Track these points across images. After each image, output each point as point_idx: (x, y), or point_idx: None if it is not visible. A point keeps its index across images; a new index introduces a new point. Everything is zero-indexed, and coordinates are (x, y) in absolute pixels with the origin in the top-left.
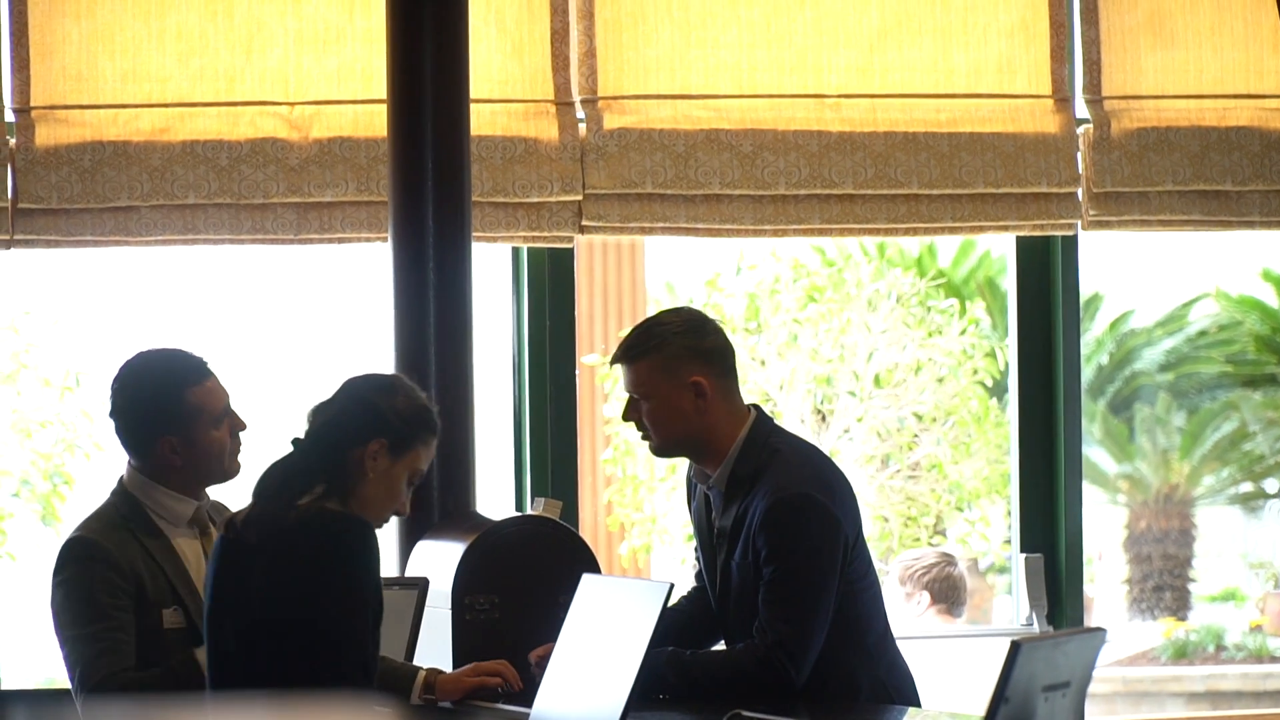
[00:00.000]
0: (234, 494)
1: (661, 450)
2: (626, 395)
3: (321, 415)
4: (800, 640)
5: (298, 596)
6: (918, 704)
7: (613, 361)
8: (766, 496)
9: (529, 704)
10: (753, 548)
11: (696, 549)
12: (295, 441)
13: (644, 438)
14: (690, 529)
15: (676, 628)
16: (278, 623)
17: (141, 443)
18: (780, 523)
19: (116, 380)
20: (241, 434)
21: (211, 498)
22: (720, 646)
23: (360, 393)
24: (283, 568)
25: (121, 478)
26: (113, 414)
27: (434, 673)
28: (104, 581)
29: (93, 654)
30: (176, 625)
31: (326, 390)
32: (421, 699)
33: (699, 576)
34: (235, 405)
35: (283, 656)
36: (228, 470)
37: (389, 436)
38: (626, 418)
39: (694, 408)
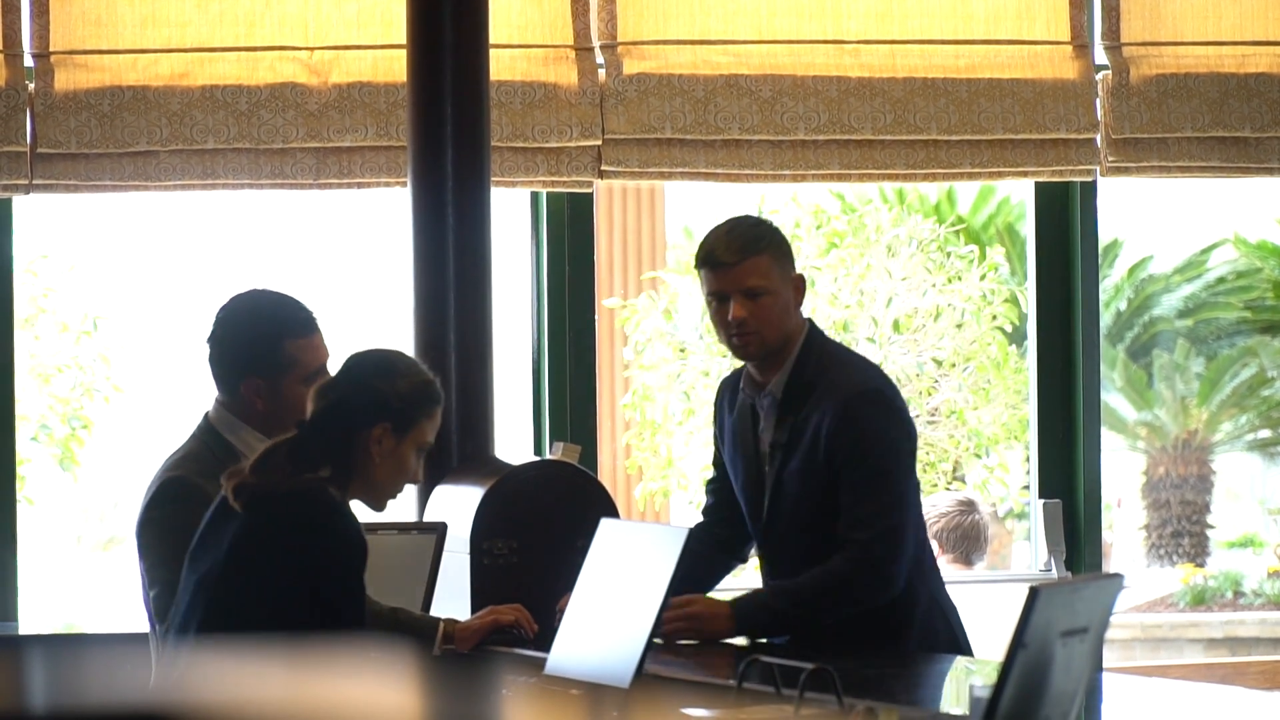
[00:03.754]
0: None
1: (761, 351)
2: (723, 293)
3: (325, 399)
4: (898, 534)
5: (264, 560)
6: (963, 631)
7: (730, 259)
8: (837, 395)
9: (546, 649)
10: (824, 449)
11: (713, 481)
12: (300, 424)
13: (740, 341)
14: (709, 463)
15: (686, 567)
16: (236, 580)
17: (229, 378)
18: (861, 419)
19: (222, 310)
20: None
21: None
22: (742, 569)
23: (360, 377)
24: (258, 530)
25: (207, 415)
26: (209, 341)
27: (452, 623)
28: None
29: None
30: None
31: (339, 350)
32: (442, 650)
33: (710, 510)
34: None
35: (232, 615)
36: None
37: (391, 419)
38: (735, 316)
39: (794, 306)
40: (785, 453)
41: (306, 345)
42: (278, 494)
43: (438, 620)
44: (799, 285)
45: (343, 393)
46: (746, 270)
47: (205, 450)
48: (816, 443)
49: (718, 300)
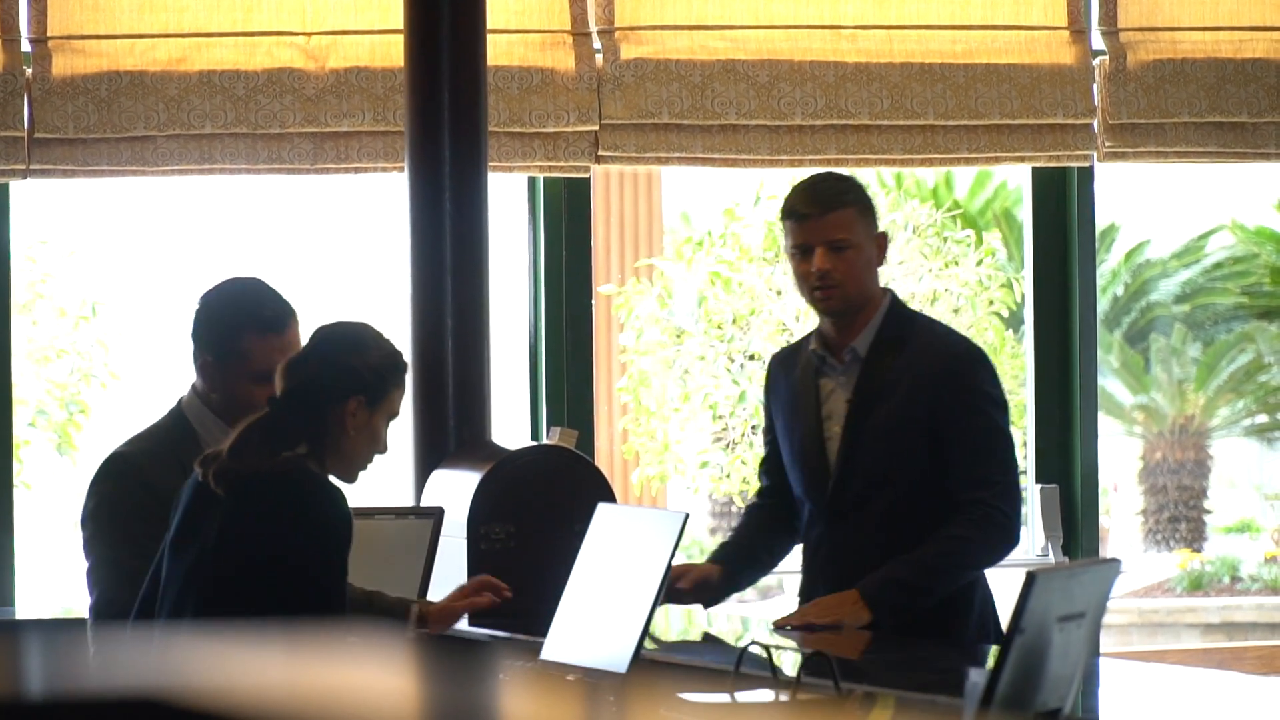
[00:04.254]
0: None
1: (843, 304)
2: (807, 246)
3: (296, 375)
4: (1017, 492)
5: (258, 541)
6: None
7: (815, 211)
8: (940, 351)
9: (543, 634)
10: (926, 402)
11: (768, 460)
12: (272, 401)
13: (823, 294)
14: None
15: (763, 545)
16: (229, 564)
17: (194, 354)
18: (969, 375)
19: (205, 292)
20: None
21: None
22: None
23: (331, 351)
24: (248, 512)
25: (181, 398)
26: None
27: (425, 605)
28: (139, 505)
29: (114, 580)
30: None
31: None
32: (415, 633)
33: (768, 492)
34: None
35: (229, 598)
36: None
37: (365, 392)
38: (819, 268)
39: (877, 263)
40: (870, 406)
41: (260, 343)
42: (261, 476)
43: (410, 602)
44: (882, 243)
45: (315, 369)
46: (831, 223)
47: (164, 431)
48: (915, 395)
49: (801, 253)
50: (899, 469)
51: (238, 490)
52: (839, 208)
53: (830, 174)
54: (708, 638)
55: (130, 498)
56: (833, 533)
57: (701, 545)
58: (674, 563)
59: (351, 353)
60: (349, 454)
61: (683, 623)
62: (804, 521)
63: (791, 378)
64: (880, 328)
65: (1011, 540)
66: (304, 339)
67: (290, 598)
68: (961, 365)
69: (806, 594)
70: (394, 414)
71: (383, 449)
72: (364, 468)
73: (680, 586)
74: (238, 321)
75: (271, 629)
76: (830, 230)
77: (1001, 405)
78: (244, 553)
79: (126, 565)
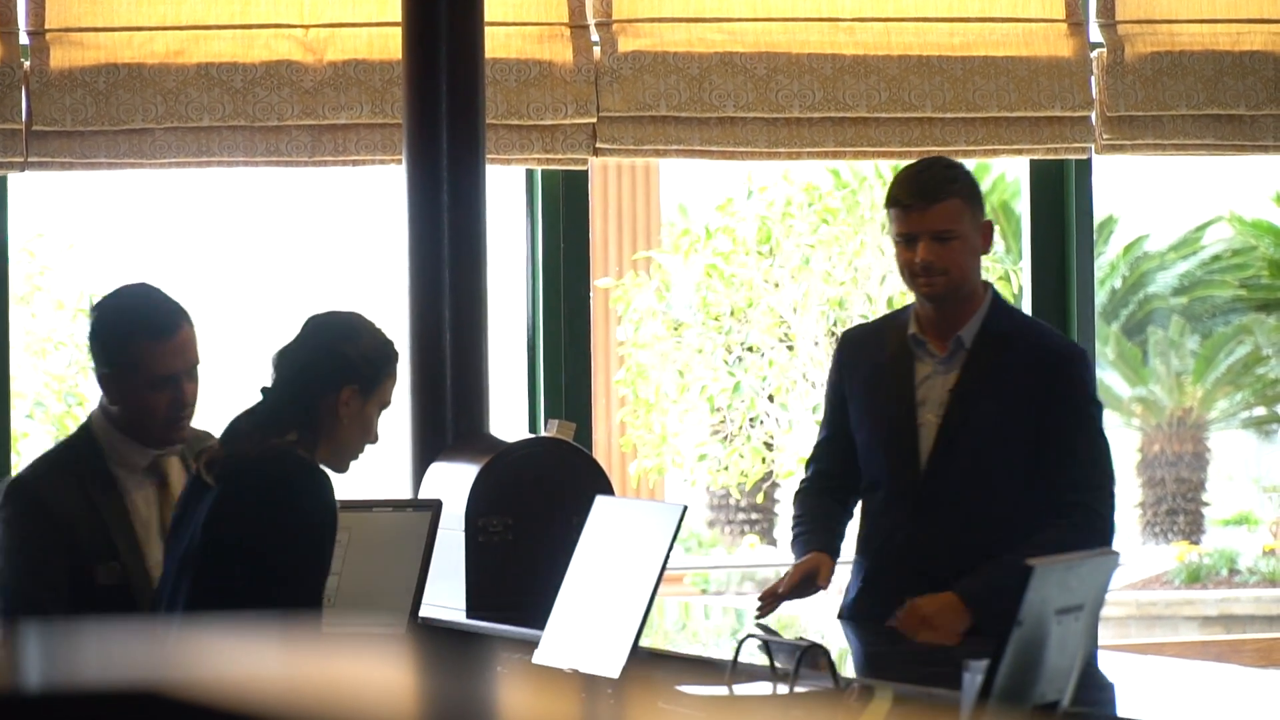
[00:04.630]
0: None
1: (948, 291)
2: (912, 235)
3: (288, 364)
4: (1115, 499)
5: (242, 524)
6: None
7: (921, 202)
8: (1053, 350)
9: (540, 626)
10: (1037, 400)
11: (825, 444)
12: (264, 391)
13: (926, 281)
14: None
15: (839, 531)
16: (214, 549)
17: (95, 369)
18: (1081, 379)
19: (96, 304)
20: (188, 408)
21: (195, 433)
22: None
23: (325, 341)
24: (233, 496)
25: (91, 414)
26: None
27: None
28: (36, 532)
29: (19, 610)
30: (110, 583)
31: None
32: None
33: (823, 476)
34: (198, 376)
35: (214, 583)
36: (159, 437)
37: (358, 381)
38: (923, 259)
39: (982, 252)
40: (975, 399)
41: (151, 349)
42: (247, 462)
43: None
44: (987, 231)
45: (308, 358)
46: (936, 214)
47: (67, 450)
48: (1021, 393)
49: (905, 242)
50: (996, 465)
51: (224, 477)
52: (945, 198)
53: (937, 161)
54: (706, 630)
55: (27, 522)
56: (914, 523)
57: (699, 538)
58: (782, 573)
59: (345, 341)
60: (341, 443)
61: (680, 615)
62: (874, 506)
63: (877, 359)
64: (986, 319)
65: (1108, 546)
66: (199, 340)
67: (267, 584)
68: (1071, 366)
69: (872, 580)
70: (386, 404)
71: (374, 439)
72: (355, 457)
73: (821, 585)
74: (128, 330)
75: (257, 620)
76: (935, 221)
77: (1101, 408)
78: (226, 537)
79: (28, 595)
